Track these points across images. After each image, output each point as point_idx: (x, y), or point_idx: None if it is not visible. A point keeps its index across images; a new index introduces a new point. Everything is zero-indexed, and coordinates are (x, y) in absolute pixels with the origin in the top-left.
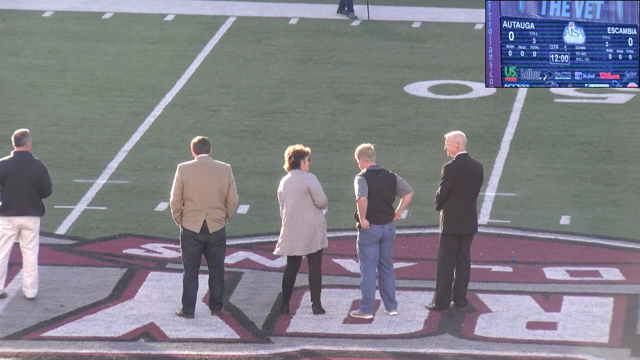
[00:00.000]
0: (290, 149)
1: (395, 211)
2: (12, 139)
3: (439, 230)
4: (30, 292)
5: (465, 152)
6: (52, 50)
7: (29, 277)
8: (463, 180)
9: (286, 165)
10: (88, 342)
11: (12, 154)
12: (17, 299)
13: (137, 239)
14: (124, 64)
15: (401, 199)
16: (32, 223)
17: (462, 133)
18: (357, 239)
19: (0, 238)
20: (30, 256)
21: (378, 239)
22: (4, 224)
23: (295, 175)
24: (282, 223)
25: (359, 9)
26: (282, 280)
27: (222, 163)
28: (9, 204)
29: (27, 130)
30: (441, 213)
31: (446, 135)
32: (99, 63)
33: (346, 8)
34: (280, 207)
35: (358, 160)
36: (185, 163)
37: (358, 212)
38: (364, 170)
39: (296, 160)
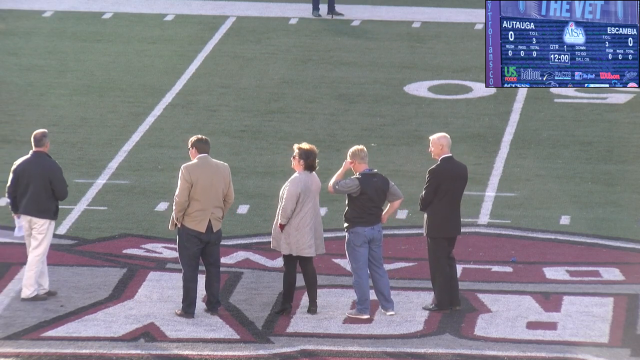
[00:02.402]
0: (305, 148)
1: (382, 213)
2: (32, 138)
3: (424, 233)
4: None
5: (450, 154)
6: (52, 50)
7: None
8: (449, 183)
9: (300, 165)
10: (88, 342)
11: (29, 154)
12: (17, 299)
13: (137, 239)
14: (124, 64)
15: (389, 204)
16: (38, 225)
17: (446, 135)
18: (346, 240)
19: (25, 238)
20: (29, 256)
21: (368, 240)
22: (23, 223)
23: (311, 175)
24: (299, 223)
25: (343, 9)
26: (285, 282)
27: (222, 162)
28: (20, 202)
29: (46, 130)
30: (426, 216)
31: (431, 137)
32: (99, 63)
33: (329, 7)
34: (293, 206)
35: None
36: (190, 163)
37: (347, 212)
38: (359, 173)
39: (313, 161)
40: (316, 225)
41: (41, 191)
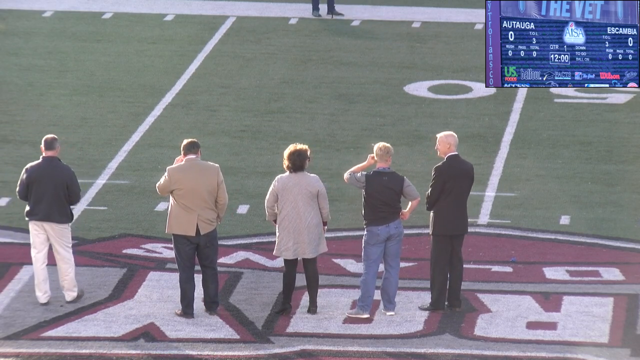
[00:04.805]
0: (291, 149)
1: (403, 210)
2: (42, 143)
3: (429, 231)
4: (67, 295)
5: (456, 153)
6: (52, 50)
7: (64, 282)
8: (454, 181)
9: (286, 165)
10: (88, 342)
11: (40, 159)
12: (17, 299)
13: (137, 239)
14: (124, 64)
15: (409, 202)
16: (59, 229)
17: (453, 134)
18: (364, 237)
19: (33, 244)
20: (59, 261)
21: (383, 239)
22: (34, 229)
23: (295, 176)
24: (280, 224)
25: (343, 9)
26: (284, 282)
27: (211, 164)
28: (35, 209)
29: (56, 136)
30: (431, 214)
31: (438, 135)
32: (99, 63)
33: (327, 7)
34: (269, 204)
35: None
36: (174, 166)
37: (362, 211)
38: (372, 170)
39: (301, 162)
40: (299, 229)
41: (60, 196)
